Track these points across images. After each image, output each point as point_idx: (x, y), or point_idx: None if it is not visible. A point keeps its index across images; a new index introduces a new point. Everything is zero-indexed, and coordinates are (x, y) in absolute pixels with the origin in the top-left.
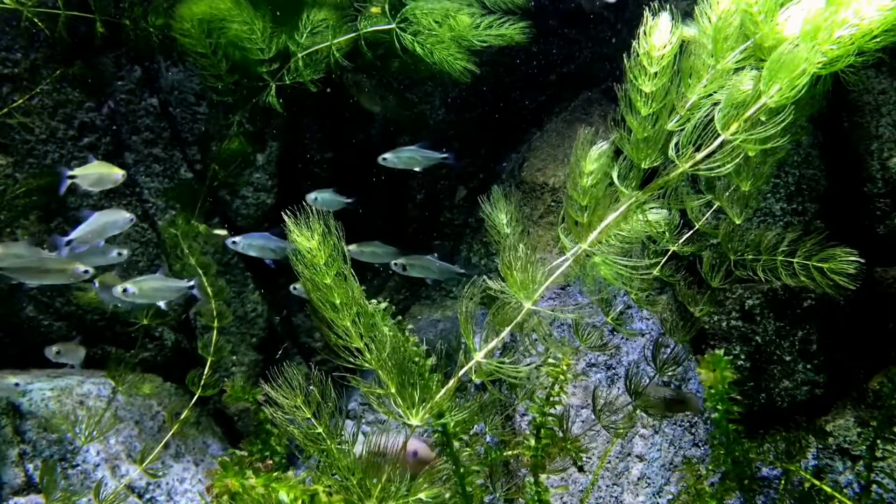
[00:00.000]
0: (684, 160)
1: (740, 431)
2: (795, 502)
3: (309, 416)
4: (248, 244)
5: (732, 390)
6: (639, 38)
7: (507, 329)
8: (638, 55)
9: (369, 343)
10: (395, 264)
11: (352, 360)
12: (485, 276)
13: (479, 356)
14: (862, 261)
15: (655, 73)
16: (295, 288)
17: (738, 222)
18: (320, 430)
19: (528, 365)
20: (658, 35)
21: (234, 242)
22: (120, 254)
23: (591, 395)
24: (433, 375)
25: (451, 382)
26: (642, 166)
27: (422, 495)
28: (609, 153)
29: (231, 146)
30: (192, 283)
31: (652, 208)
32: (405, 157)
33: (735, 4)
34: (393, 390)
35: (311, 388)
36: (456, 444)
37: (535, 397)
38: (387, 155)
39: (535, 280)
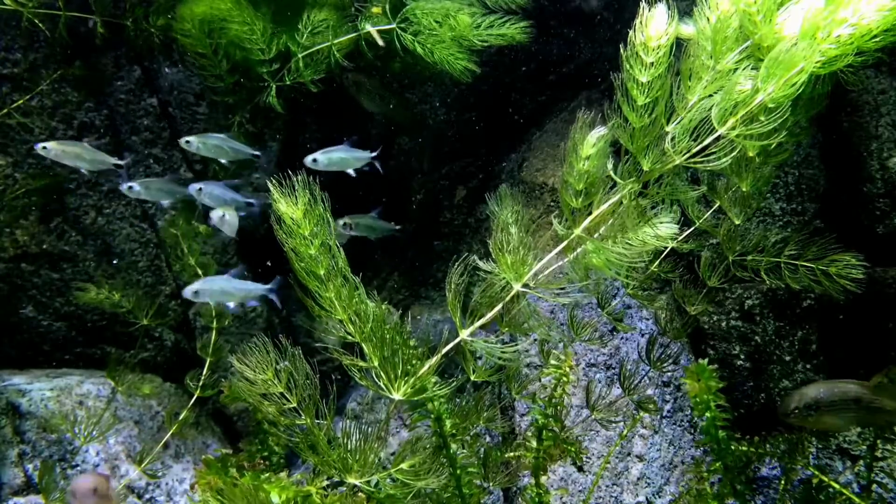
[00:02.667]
0: (680, 153)
1: (731, 437)
2: (795, 503)
3: (281, 389)
4: (202, 143)
5: (719, 398)
6: (635, 29)
7: (497, 308)
8: (634, 45)
9: (353, 317)
10: (344, 224)
11: (337, 334)
12: (474, 256)
13: (464, 334)
14: (868, 265)
15: (651, 64)
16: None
17: (737, 223)
18: (294, 404)
19: (515, 345)
20: (654, 25)
21: (187, 142)
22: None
23: (591, 394)
24: (417, 351)
25: (435, 358)
26: (637, 156)
27: (403, 465)
28: (607, 139)
29: None
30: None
31: (662, 222)
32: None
33: (734, 5)
34: (376, 363)
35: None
36: (454, 446)
37: (537, 399)
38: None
39: (526, 262)
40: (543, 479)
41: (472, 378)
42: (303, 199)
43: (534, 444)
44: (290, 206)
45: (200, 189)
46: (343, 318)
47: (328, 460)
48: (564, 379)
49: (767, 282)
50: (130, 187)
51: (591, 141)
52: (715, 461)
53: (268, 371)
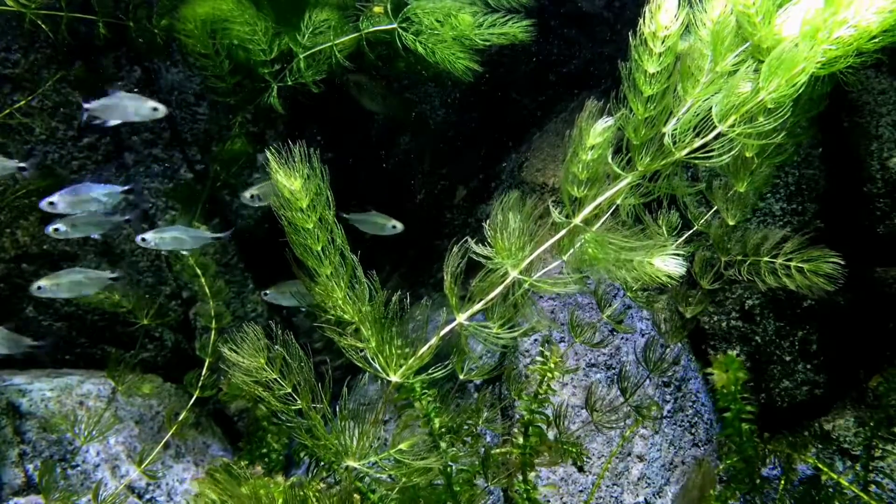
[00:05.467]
0: (680, 148)
1: (753, 431)
2: (795, 502)
3: (275, 376)
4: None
5: (745, 391)
6: (644, 17)
7: (495, 293)
8: (643, 34)
9: (350, 296)
10: (251, 196)
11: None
12: (471, 243)
13: (461, 318)
14: (842, 262)
15: (660, 54)
16: (266, 294)
17: (731, 223)
18: (288, 389)
19: (514, 331)
20: (664, 14)
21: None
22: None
23: (594, 390)
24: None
25: (434, 339)
26: (640, 149)
27: (402, 446)
28: (613, 129)
29: (234, 147)
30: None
31: (669, 254)
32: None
33: (732, 5)
34: (373, 345)
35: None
36: (443, 444)
37: (524, 395)
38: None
39: (524, 248)
40: (533, 476)
41: (461, 376)
42: (302, 171)
43: (520, 440)
44: (289, 177)
45: (52, 203)
46: (340, 297)
47: (326, 444)
48: (549, 375)
49: (746, 280)
50: (56, 229)
51: (598, 130)
52: (733, 455)
53: (260, 357)
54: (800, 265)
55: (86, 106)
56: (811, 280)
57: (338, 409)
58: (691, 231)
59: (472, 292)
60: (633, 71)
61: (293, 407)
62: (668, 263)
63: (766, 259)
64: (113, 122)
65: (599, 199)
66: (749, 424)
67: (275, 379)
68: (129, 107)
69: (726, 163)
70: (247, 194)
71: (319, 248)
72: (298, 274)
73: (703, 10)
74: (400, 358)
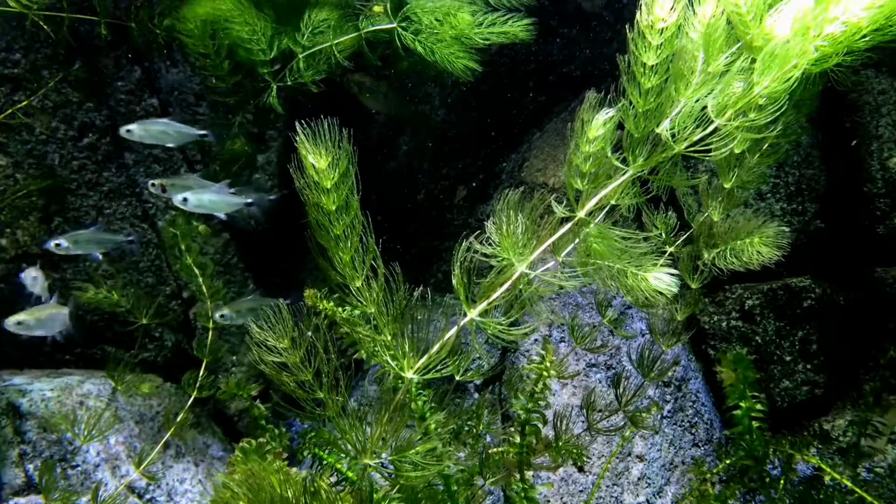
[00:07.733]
0: (680, 141)
1: (763, 429)
2: (795, 502)
3: (297, 361)
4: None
5: (754, 388)
6: (640, 9)
7: (503, 288)
8: (640, 26)
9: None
10: (152, 185)
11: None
12: (472, 239)
13: (473, 313)
14: (786, 229)
15: (658, 45)
16: (223, 315)
17: (716, 219)
18: (309, 376)
19: (524, 326)
20: (660, 7)
21: (128, 131)
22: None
23: (593, 395)
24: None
25: (453, 331)
26: (640, 142)
27: (419, 448)
28: (616, 120)
29: (234, 147)
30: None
31: (659, 273)
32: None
33: (723, 7)
34: (389, 338)
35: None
36: (440, 445)
37: (519, 394)
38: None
39: (529, 243)
40: (531, 475)
41: (458, 377)
42: (329, 149)
43: (517, 439)
44: (316, 156)
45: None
46: (359, 285)
47: (347, 438)
48: (545, 374)
49: (710, 265)
50: (58, 244)
51: (600, 121)
52: (741, 452)
53: (285, 339)
54: (750, 239)
55: None
56: (762, 251)
57: (354, 405)
58: (690, 231)
59: (481, 289)
60: (632, 64)
61: (314, 396)
62: (661, 279)
63: (732, 245)
64: None
65: (602, 193)
66: (758, 422)
67: (297, 363)
68: None
69: (719, 159)
70: (179, 197)
71: (339, 232)
72: (317, 257)
73: (694, 12)
74: (412, 353)
